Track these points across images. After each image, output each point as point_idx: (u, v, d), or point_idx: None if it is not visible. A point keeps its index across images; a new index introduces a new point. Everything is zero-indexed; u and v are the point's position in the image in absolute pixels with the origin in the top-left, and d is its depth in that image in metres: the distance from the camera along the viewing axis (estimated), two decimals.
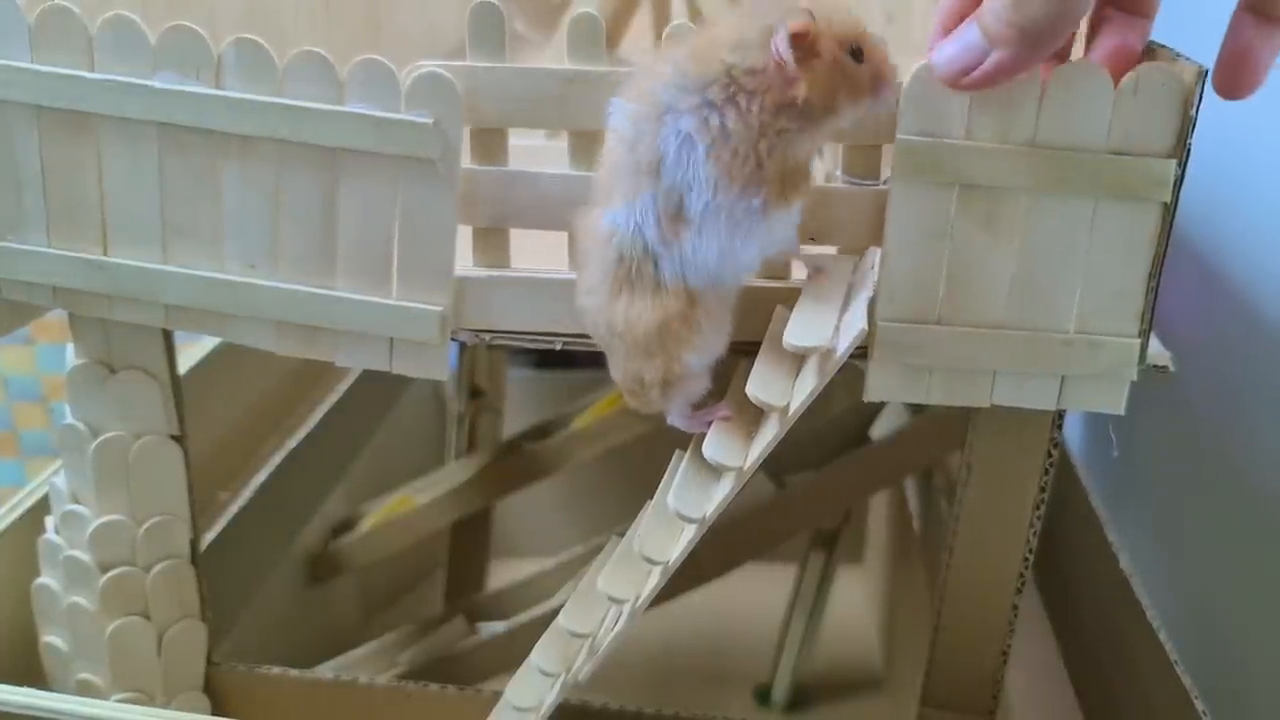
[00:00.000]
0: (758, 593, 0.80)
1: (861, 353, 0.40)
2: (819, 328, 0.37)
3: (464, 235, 0.42)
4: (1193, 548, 0.67)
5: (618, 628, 0.41)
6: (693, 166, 0.36)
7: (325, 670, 0.62)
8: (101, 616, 0.51)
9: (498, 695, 0.46)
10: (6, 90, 0.43)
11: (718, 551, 0.68)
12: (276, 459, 0.68)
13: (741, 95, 0.35)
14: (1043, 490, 0.46)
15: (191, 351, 0.66)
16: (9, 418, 1.16)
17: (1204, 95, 0.36)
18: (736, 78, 0.35)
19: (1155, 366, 0.41)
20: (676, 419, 0.41)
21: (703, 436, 0.40)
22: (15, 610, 0.55)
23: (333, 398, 0.76)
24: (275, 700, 0.54)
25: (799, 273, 0.41)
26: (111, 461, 0.49)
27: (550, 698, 0.43)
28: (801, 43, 0.35)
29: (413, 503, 0.77)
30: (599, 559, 0.43)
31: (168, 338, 0.48)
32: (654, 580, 0.40)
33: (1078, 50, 0.39)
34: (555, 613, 0.44)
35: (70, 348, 0.49)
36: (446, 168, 0.40)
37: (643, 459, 0.53)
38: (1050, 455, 0.45)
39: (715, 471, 0.39)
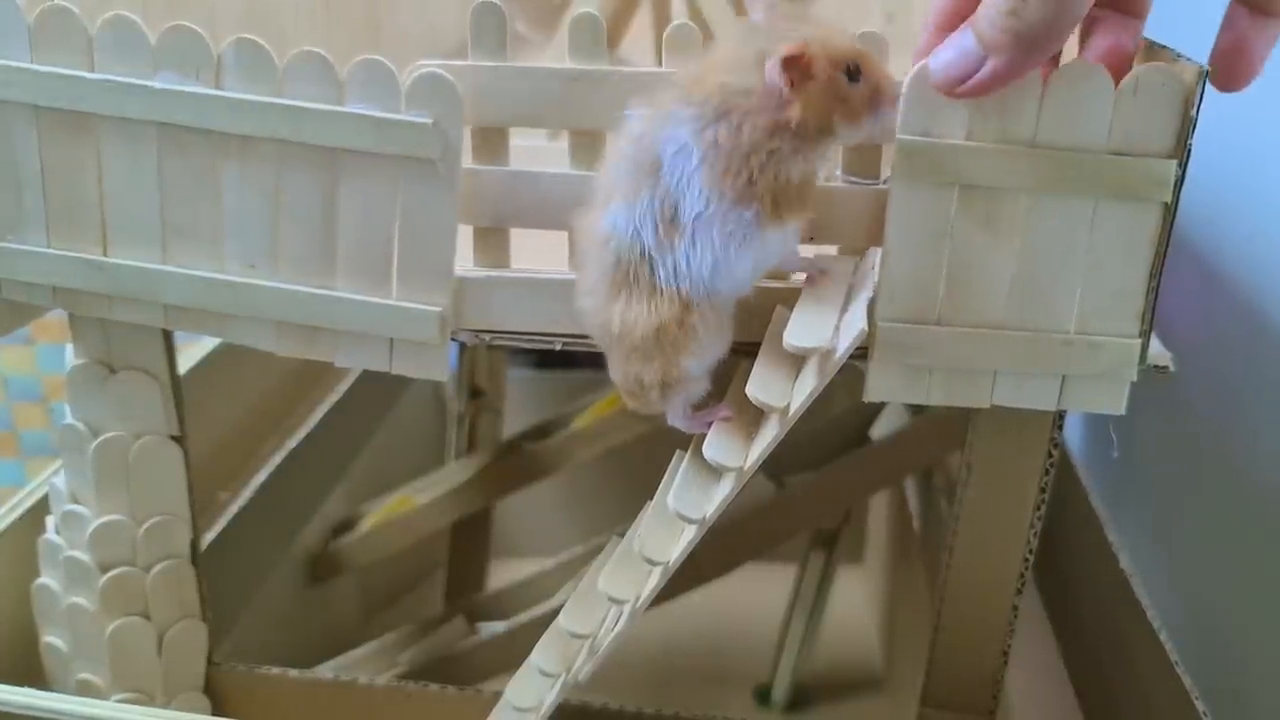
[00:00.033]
0: (758, 593, 0.80)
1: (861, 353, 0.40)
2: (819, 328, 0.37)
3: (464, 235, 0.42)
4: (1193, 547, 0.67)
5: (618, 628, 0.41)
6: (687, 175, 0.36)
7: (325, 670, 0.62)
8: (101, 616, 0.51)
9: (498, 695, 0.46)
10: (6, 90, 0.43)
11: (718, 551, 0.68)
12: (276, 459, 0.68)
13: (735, 114, 0.35)
14: (1043, 490, 0.46)
15: (191, 351, 0.66)
16: (9, 418, 1.16)
17: (1204, 95, 0.36)
18: (729, 97, 0.35)
19: (1155, 366, 0.41)
20: (676, 420, 0.41)
21: (703, 437, 0.40)
22: (15, 610, 0.55)
23: (333, 398, 0.76)
24: (275, 700, 0.54)
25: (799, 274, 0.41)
26: (111, 461, 0.49)
27: (550, 698, 0.43)
28: (795, 66, 0.35)
29: (413, 503, 0.77)
30: (599, 559, 0.43)
31: (168, 338, 0.48)
32: (654, 580, 0.40)
33: (1070, 52, 0.39)
34: (555, 613, 0.44)
35: (70, 348, 0.49)
36: (447, 168, 0.40)
37: (643, 459, 0.53)
38: (1050, 455, 0.45)
39: (715, 472, 0.39)
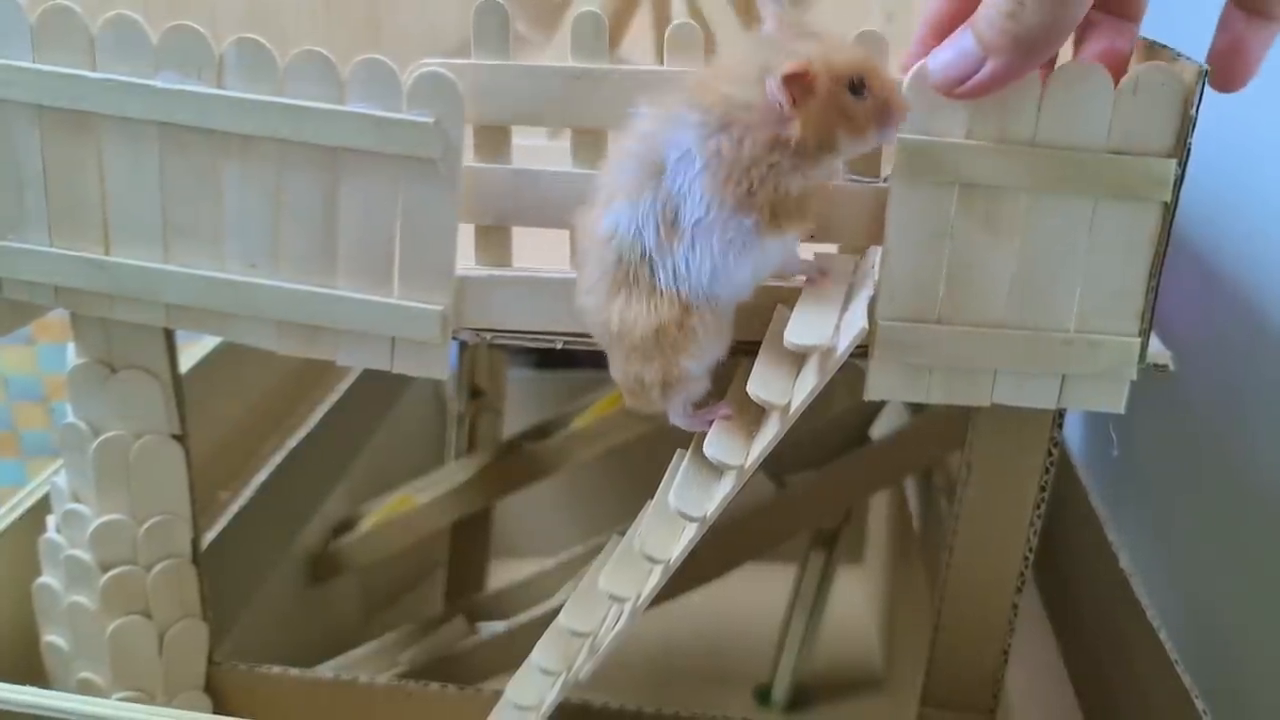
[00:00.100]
0: (758, 593, 0.80)
1: (862, 352, 0.40)
2: (819, 327, 0.37)
3: (465, 234, 0.42)
4: (1192, 547, 0.67)
5: (618, 626, 0.41)
6: (689, 180, 0.36)
7: (326, 670, 0.62)
8: (102, 616, 0.51)
9: (498, 695, 0.46)
10: (8, 90, 0.43)
11: (718, 551, 0.68)
12: (277, 458, 0.68)
13: (736, 126, 0.36)
14: (1043, 490, 0.46)
15: (192, 351, 0.66)
16: (10, 417, 1.16)
17: (1204, 95, 0.36)
18: (731, 110, 0.36)
19: (1155, 366, 0.41)
20: (677, 418, 0.41)
21: (704, 435, 0.40)
22: (16, 610, 0.55)
23: (333, 397, 0.76)
24: (276, 699, 0.54)
25: None
26: (112, 461, 0.49)
27: (551, 696, 0.44)
28: (797, 83, 0.35)
29: (413, 502, 0.77)
30: (600, 558, 0.44)
31: (169, 337, 0.48)
32: (655, 579, 0.40)
33: (1066, 56, 0.39)
34: (555, 612, 0.44)
35: (71, 347, 0.49)
36: (448, 167, 0.40)
37: (643, 459, 0.53)
38: (1050, 455, 0.45)
39: (716, 470, 0.39)
